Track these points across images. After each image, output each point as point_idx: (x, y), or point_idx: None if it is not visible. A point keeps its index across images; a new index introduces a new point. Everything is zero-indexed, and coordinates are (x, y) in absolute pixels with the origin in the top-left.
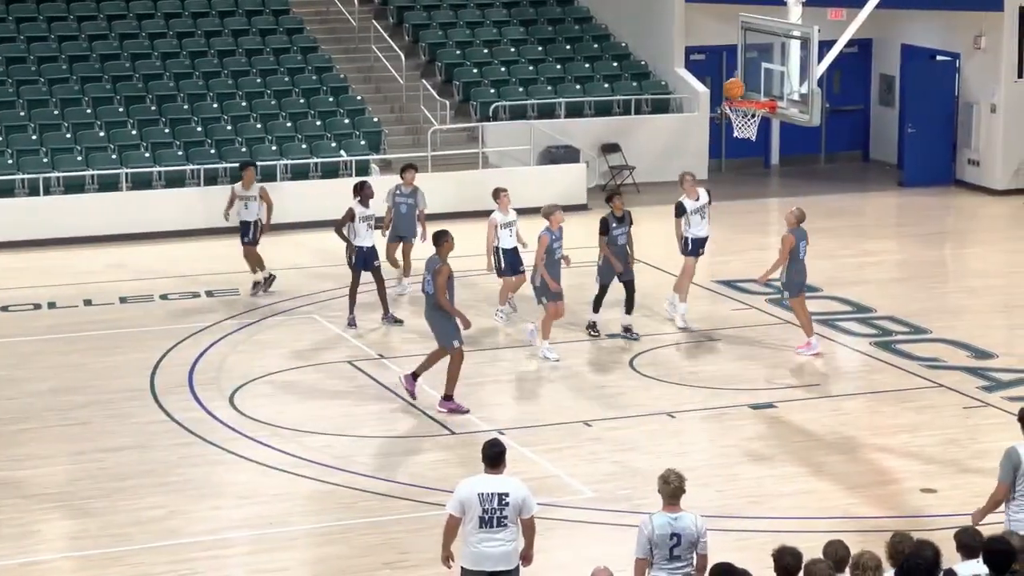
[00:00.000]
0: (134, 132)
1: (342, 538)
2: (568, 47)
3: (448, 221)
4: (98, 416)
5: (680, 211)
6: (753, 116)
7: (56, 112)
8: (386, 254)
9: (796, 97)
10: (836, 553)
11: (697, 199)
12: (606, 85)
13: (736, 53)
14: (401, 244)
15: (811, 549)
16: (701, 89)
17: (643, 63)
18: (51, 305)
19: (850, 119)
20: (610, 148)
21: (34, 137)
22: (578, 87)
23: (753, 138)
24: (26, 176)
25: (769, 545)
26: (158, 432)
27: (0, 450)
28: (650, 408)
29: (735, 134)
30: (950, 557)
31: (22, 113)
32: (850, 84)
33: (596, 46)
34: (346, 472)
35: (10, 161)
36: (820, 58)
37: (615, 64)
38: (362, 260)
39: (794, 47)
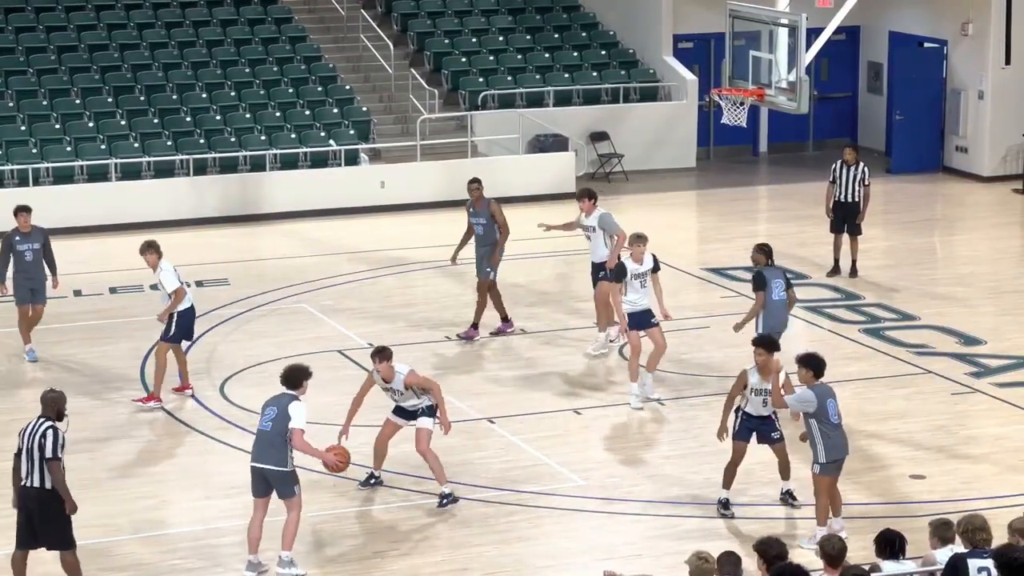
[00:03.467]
0: (123, 122)
1: (333, 526)
2: (556, 36)
3: (435, 210)
4: (89, 406)
5: (620, 274)
6: (742, 104)
7: (45, 103)
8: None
9: (784, 85)
10: (835, 547)
11: (641, 263)
12: (594, 73)
13: (724, 41)
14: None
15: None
16: (689, 77)
17: (631, 51)
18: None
19: (838, 106)
20: (599, 136)
21: (23, 128)
22: (566, 76)
23: (744, 125)
24: (15, 167)
25: (759, 532)
26: (148, 422)
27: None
28: (640, 396)
29: (723, 121)
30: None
31: (11, 104)
32: (838, 71)
33: (584, 35)
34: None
35: (0, 152)
36: (808, 46)
37: (603, 52)
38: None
39: (782, 35)
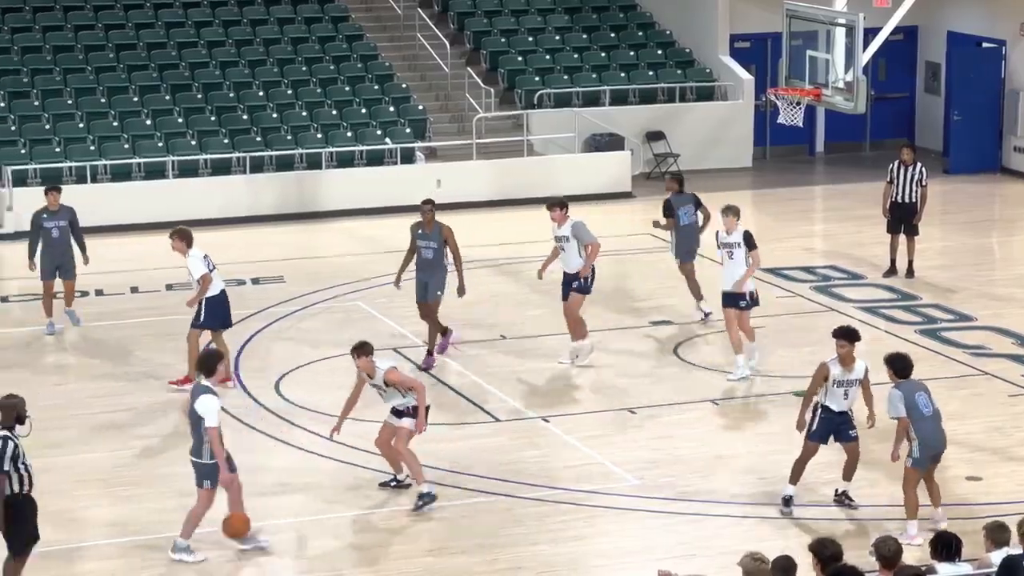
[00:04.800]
0: (180, 120)
1: (385, 524)
2: (613, 35)
3: (490, 209)
4: (144, 402)
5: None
6: (798, 103)
7: (103, 100)
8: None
9: (841, 85)
10: (889, 549)
11: (730, 234)
12: (651, 73)
13: (781, 40)
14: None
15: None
16: (746, 77)
17: (688, 51)
18: (98, 292)
19: (895, 106)
20: (654, 136)
21: (81, 125)
22: (623, 75)
23: (800, 125)
24: (74, 164)
25: (812, 533)
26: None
27: (49, 435)
28: (694, 395)
29: (780, 121)
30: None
31: (69, 102)
32: (895, 71)
33: (641, 34)
34: None
35: (58, 149)
36: (865, 45)
37: (660, 52)
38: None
39: (839, 34)
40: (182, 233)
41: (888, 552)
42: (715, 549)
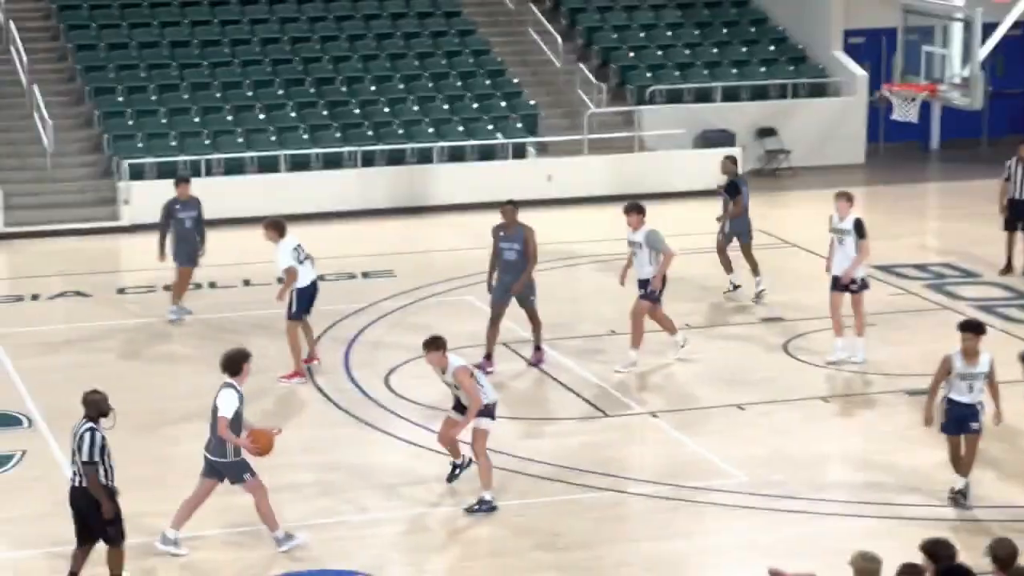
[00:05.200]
0: (293, 114)
1: (493, 518)
2: (725, 31)
3: (601, 204)
4: (255, 394)
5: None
6: (913, 99)
7: (218, 95)
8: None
9: (957, 80)
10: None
11: (842, 220)
12: (763, 69)
13: (896, 36)
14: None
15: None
16: (859, 73)
17: (801, 47)
18: (211, 285)
19: (1014, 102)
20: (766, 132)
21: (196, 120)
22: (735, 71)
23: (915, 121)
24: (188, 158)
25: (924, 533)
26: (314, 411)
27: (161, 428)
28: (804, 393)
29: (894, 117)
30: None
31: (185, 96)
32: (1014, 67)
33: (753, 30)
34: (500, 453)
35: (173, 143)
36: (983, 41)
37: (772, 48)
38: None
39: (956, 30)
40: (275, 224)
41: (1003, 553)
42: (824, 547)
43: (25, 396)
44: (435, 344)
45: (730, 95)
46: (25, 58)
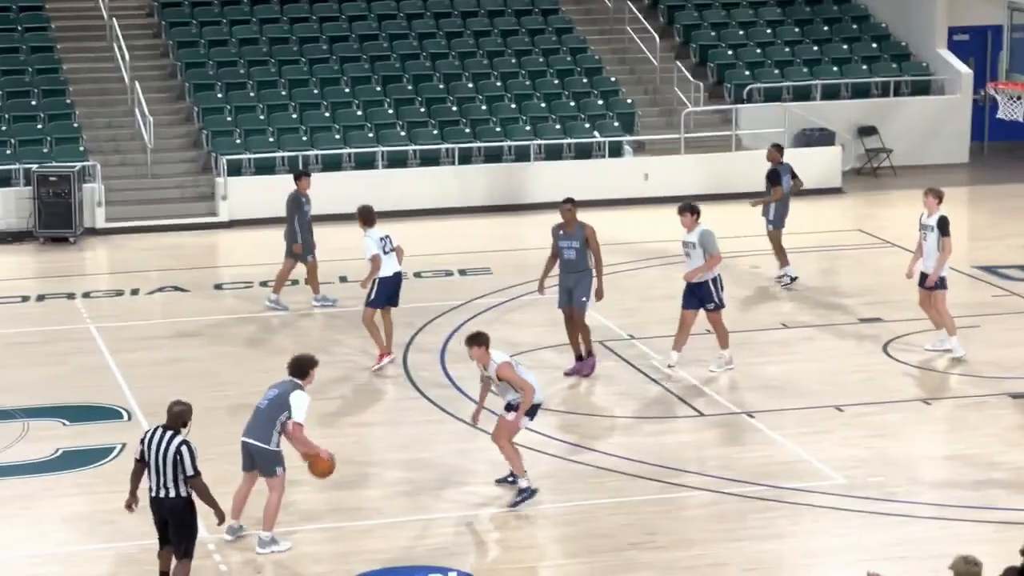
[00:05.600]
0: (391, 112)
1: (589, 517)
2: (826, 28)
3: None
4: (351, 391)
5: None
6: (1019, 98)
7: (316, 91)
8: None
9: None
10: None
11: (929, 216)
12: (864, 67)
13: (1002, 33)
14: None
15: None
16: (964, 71)
17: (903, 44)
18: (308, 281)
19: None
20: (867, 131)
21: (295, 116)
22: (835, 69)
23: (1021, 120)
24: (286, 154)
25: None
26: (409, 409)
27: None
28: (905, 394)
29: (999, 116)
30: None
31: (283, 92)
32: None
33: (855, 27)
34: (595, 452)
35: (271, 139)
36: None
37: (874, 45)
38: None
39: None
40: (363, 212)
41: None
42: (924, 551)
43: (125, 390)
44: (477, 340)
45: (830, 93)
46: (127, 55)
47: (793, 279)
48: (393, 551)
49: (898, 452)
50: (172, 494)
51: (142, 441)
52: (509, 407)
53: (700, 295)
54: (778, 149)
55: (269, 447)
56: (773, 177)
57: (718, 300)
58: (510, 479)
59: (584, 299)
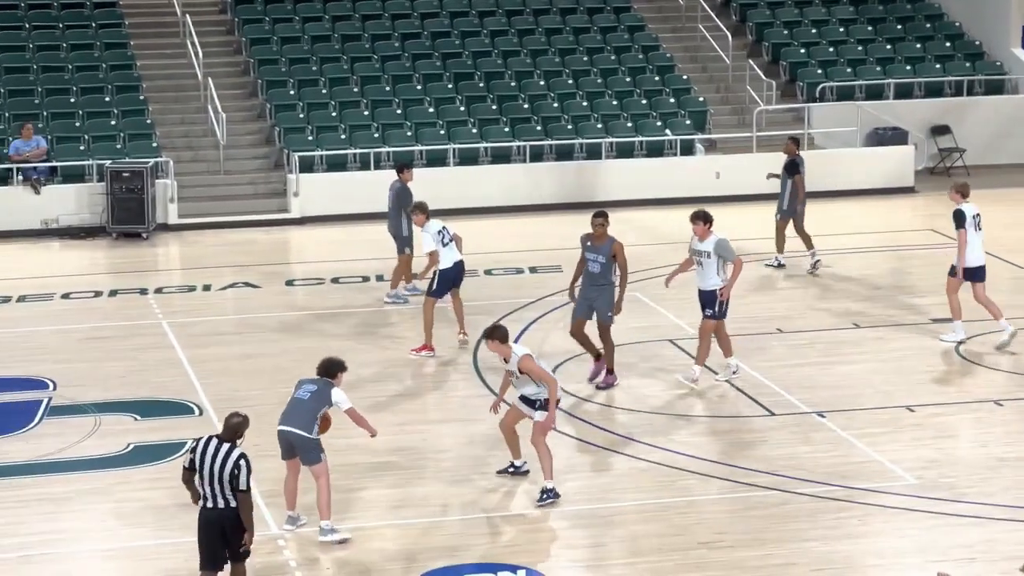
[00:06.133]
0: (462, 108)
1: (659, 516)
2: (899, 27)
3: (769, 203)
4: (421, 389)
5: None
6: None
7: (388, 88)
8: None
9: None
10: None
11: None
12: (937, 65)
13: None
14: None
15: None
16: None
17: (977, 43)
18: (379, 278)
19: None
20: (940, 130)
21: (366, 113)
22: (908, 68)
23: None
24: (358, 151)
25: None
26: (480, 406)
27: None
28: (976, 395)
29: None
30: None
31: (355, 89)
32: None
33: (928, 26)
34: (664, 451)
35: (343, 136)
36: None
37: (948, 44)
38: None
39: None
40: (420, 206)
41: None
42: (996, 554)
43: (196, 385)
44: (495, 334)
45: (903, 92)
46: (200, 52)
47: (781, 265)
48: (460, 548)
49: (969, 453)
50: (233, 504)
51: (192, 450)
52: (524, 400)
53: (703, 301)
54: (795, 142)
55: (311, 436)
56: (791, 168)
57: (717, 309)
58: (510, 469)
59: (609, 313)
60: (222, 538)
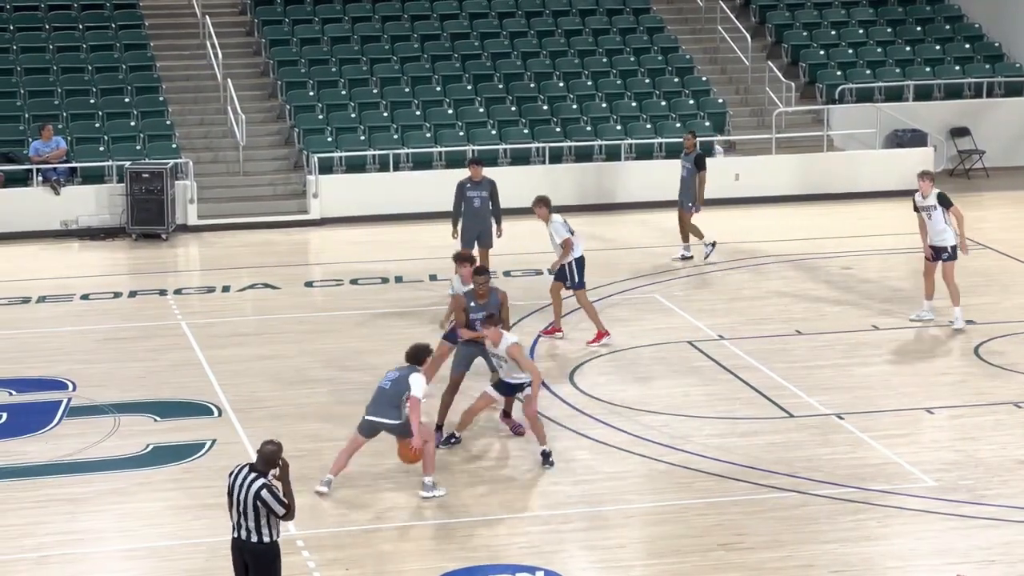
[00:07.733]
0: (481, 110)
1: (678, 517)
2: (919, 29)
3: (789, 204)
4: (437, 391)
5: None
6: None
7: (407, 90)
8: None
9: None
10: None
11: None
12: (957, 67)
13: None
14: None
15: None
16: None
17: (997, 45)
18: (398, 280)
19: None
20: (959, 132)
21: (385, 114)
22: (928, 69)
23: None
24: (377, 152)
25: None
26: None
27: (349, 424)
28: (995, 397)
29: None
30: None
31: (375, 91)
32: None
33: (948, 28)
34: (683, 452)
35: (362, 137)
36: None
37: (967, 46)
38: None
39: None
40: (543, 200)
41: None
42: (1016, 556)
43: (215, 386)
44: (492, 320)
45: (922, 94)
46: (220, 53)
47: (688, 257)
48: (480, 549)
49: (989, 455)
50: (255, 539)
51: (230, 475)
52: (504, 385)
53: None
54: (694, 135)
55: (399, 422)
56: (700, 162)
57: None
58: (453, 440)
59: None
60: (244, 570)
